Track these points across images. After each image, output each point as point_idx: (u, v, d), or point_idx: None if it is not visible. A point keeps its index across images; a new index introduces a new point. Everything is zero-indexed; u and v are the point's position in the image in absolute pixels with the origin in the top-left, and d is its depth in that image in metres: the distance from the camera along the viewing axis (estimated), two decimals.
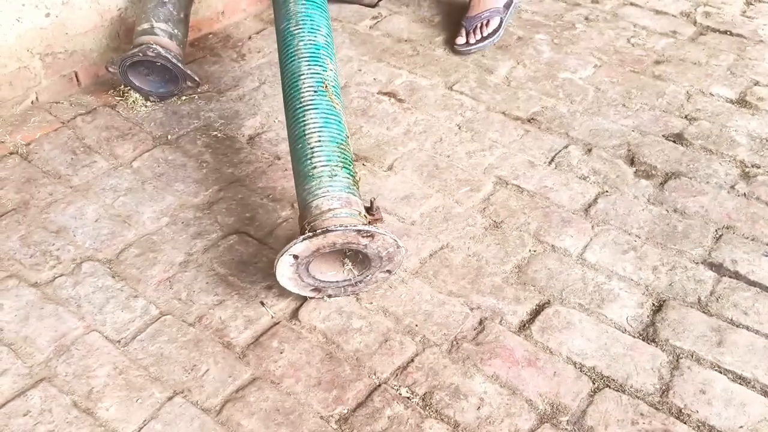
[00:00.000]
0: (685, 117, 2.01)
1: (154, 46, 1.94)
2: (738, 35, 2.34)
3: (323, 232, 1.36)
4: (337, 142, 1.51)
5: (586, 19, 2.43)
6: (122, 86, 2.09)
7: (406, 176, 1.84)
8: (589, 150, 1.91)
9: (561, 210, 1.73)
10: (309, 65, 1.57)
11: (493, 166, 1.87)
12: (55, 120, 2.03)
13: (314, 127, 1.50)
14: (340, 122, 1.54)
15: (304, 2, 1.65)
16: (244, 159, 1.89)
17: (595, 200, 1.76)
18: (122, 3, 2.16)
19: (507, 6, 2.24)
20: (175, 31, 2.04)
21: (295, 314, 1.51)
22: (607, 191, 1.78)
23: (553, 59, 2.24)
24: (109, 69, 2.01)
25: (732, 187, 1.79)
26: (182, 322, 1.49)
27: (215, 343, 1.45)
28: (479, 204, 1.76)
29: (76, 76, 2.15)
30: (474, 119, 2.02)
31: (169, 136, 1.97)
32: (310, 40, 1.60)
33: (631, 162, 1.87)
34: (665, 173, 1.83)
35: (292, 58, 1.59)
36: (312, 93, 1.54)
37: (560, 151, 1.91)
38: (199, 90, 2.12)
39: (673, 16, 2.44)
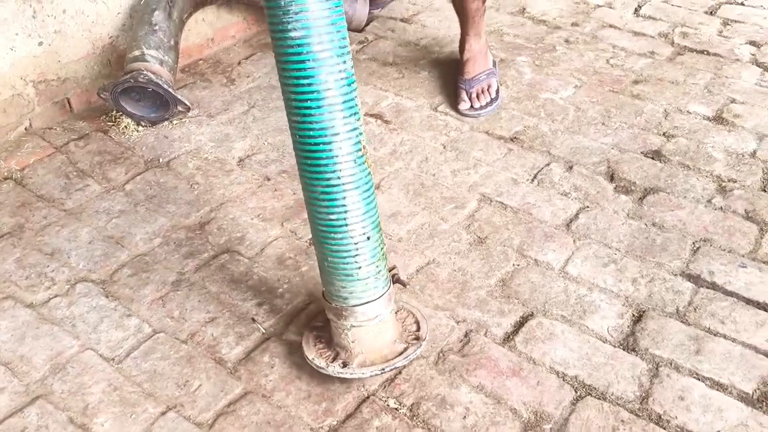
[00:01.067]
0: (663, 134, 2.07)
1: (145, 72, 1.99)
2: (715, 54, 2.41)
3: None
4: (378, 228, 1.32)
5: (567, 41, 2.50)
6: (114, 112, 2.14)
7: (392, 195, 1.89)
8: (570, 167, 1.97)
9: (543, 225, 1.78)
10: (345, 116, 1.19)
11: (477, 183, 1.92)
12: (48, 146, 2.07)
13: (357, 215, 1.26)
14: (374, 192, 1.30)
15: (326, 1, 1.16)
16: (234, 180, 1.94)
17: (577, 215, 1.81)
18: (114, 31, 2.22)
19: (494, 64, 2.26)
20: (166, 57, 2.09)
21: (285, 329, 1.55)
22: (587, 206, 1.84)
23: (535, 80, 2.31)
24: (101, 95, 2.06)
25: (709, 201, 1.84)
26: (175, 340, 1.53)
27: (207, 359, 1.49)
28: (464, 221, 1.81)
29: (69, 102, 2.20)
30: (458, 139, 2.08)
31: (161, 160, 2.02)
32: (341, 71, 1.18)
33: (611, 178, 1.92)
34: (644, 189, 1.88)
35: (320, 102, 1.17)
36: (352, 164, 1.22)
37: (542, 168, 1.96)
38: (189, 114, 2.17)
39: (651, 37, 2.51)
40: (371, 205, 1.29)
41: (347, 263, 1.31)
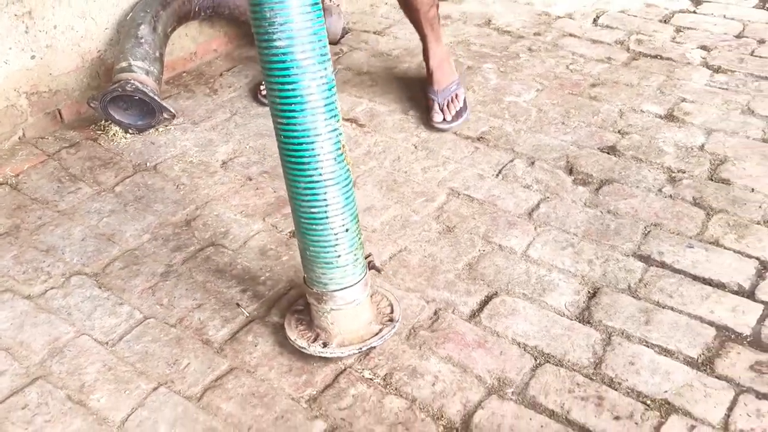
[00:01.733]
0: (618, 132, 2.22)
1: (132, 81, 2.12)
2: (667, 59, 2.58)
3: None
4: (356, 219, 1.43)
5: (529, 49, 2.66)
6: (103, 121, 2.26)
7: (367, 191, 2.01)
8: (533, 163, 2.11)
9: (507, 215, 1.92)
10: (326, 118, 1.30)
11: (446, 179, 2.05)
12: (41, 153, 2.19)
13: (336, 208, 1.37)
14: (352, 187, 1.41)
15: (308, 12, 1.25)
16: (218, 181, 2.06)
17: (538, 205, 1.95)
18: (102, 45, 2.35)
19: (460, 75, 2.33)
20: (152, 68, 2.22)
21: (268, 312, 1.66)
22: (548, 197, 1.98)
23: (500, 85, 2.46)
24: (91, 104, 2.19)
25: (659, 190, 1.99)
26: (164, 324, 1.64)
27: (195, 340, 1.60)
28: (434, 212, 1.94)
29: (60, 113, 2.32)
30: (429, 139, 2.22)
31: (148, 164, 2.14)
32: (322, 77, 1.28)
33: (570, 172, 2.07)
34: (600, 180, 2.03)
35: (303, 106, 1.28)
36: (333, 162, 1.33)
37: (507, 164, 2.10)
38: (174, 122, 2.30)
39: (608, 44, 2.68)
40: (350, 199, 1.40)
41: (327, 252, 1.43)
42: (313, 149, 1.32)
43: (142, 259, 1.81)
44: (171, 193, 2.03)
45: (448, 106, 2.22)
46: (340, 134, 1.35)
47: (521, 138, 2.21)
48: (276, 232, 1.89)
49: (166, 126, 2.28)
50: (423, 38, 2.26)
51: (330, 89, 1.31)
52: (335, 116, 1.33)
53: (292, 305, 1.67)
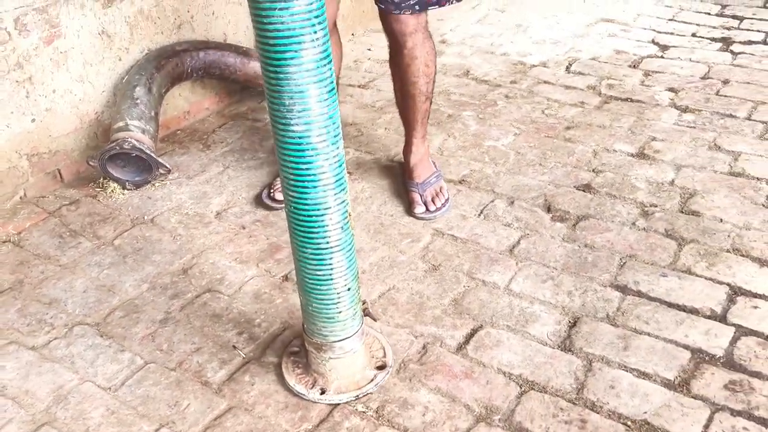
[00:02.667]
0: (593, 170, 2.34)
1: (129, 139, 2.23)
2: (637, 101, 2.72)
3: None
4: (357, 278, 1.51)
5: (506, 96, 2.79)
6: (102, 178, 2.36)
7: (356, 234, 2.10)
8: (512, 202, 2.21)
9: (489, 252, 2.01)
10: (336, 193, 1.37)
11: (430, 221, 2.15)
12: (42, 211, 2.28)
13: (341, 271, 1.46)
14: (355, 251, 1.50)
15: (325, 99, 1.30)
16: (213, 230, 2.16)
17: (518, 242, 2.05)
18: (99, 107, 2.47)
19: (435, 165, 2.30)
20: (147, 127, 2.33)
21: (263, 353, 1.74)
22: (528, 234, 2.07)
23: (479, 131, 2.58)
24: (90, 163, 2.29)
25: (633, 223, 2.09)
26: (165, 368, 1.71)
27: (194, 382, 1.67)
28: (420, 252, 2.03)
29: (60, 173, 2.42)
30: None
31: (146, 217, 2.23)
32: (335, 157, 1.35)
33: (548, 209, 2.17)
34: (577, 216, 2.13)
35: (316, 183, 1.35)
36: (339, 231, 1.41)
37: (488, 204, 2.21)
38: (170, 177, 2.40)
39: (581, 89, 2.82)
40: (353, 261, 1.49)
41: (330, 309, 1.52)
42: (322, 221, 1.40)
43: (142, 308, 1.89)
44: (168, 244, 2.11)
45: (433, 199, 2.18)
46: (347, 204, 1.43)
47: (501, 180, 2.32)
48: (269, 277, 1.97)
49: (162, 181, 2.38)
50: (409, 132, 2.24)
51: (340, 165, 1.38)
52: (344, 189, 1.40)
53: (287, 346, 1.74)
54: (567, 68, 2.98)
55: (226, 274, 1.99)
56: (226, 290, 1.94)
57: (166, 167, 2.33)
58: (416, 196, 2.20)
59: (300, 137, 1.32)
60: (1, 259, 2.08)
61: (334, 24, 2.16)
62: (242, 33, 2.87)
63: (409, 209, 2.20)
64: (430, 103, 2.21)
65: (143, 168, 2.33)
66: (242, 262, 2.03)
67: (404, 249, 2.05)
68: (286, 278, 1.96)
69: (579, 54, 3.07)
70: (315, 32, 1.23)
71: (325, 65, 1.27)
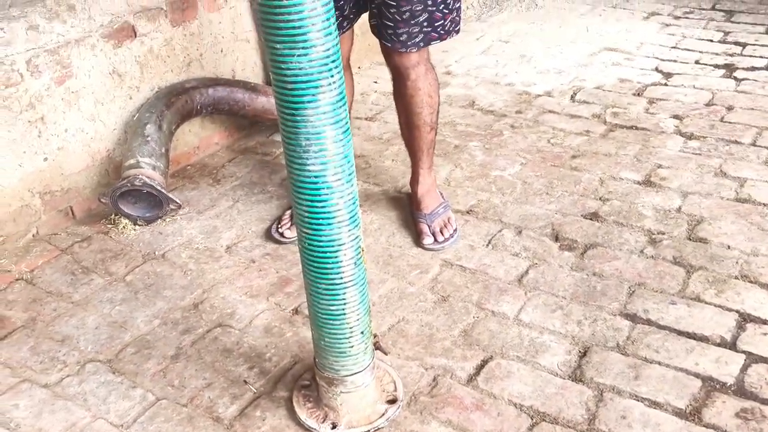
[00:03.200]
0: (600, 198, 2.35)
1: (140, 176, 2.26)
2: (642, 129, 2.73)
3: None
4: (368, 312, 1.52)
5: (512, 126, 2.82)
6: (113, 215, 2.39)
7: (366, 266, 2.12)
8: (520, 232, 2.22)
9: (498, 282, 2.02)
10: (350, 229, 1.39)
11: (439, 252, 2.16)
12: (54, 249, 2.31)
13: (353, 306, 1.47)
14: (367, 285, 1.51)
15: (340, 140, 1.31)
16: (223, 265, 2.18)
17: (527, 271, 2.05)
18: (110, 145, 2.51)
19: (442, 195, 2.31)
20: (158, 163, 2.37)
21: (274, 387, 1.74)
22: (536, 263, 2.08)
23: (486, 161, 2.60)
24: (102, 200, 2.32)
25: (641, 251, 2.09)
26: (176, 404, 1.72)
27: (206, 418, 1.68)
28: (429, 283, 2.04)
29: (71, 210, 2.45)
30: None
31: (157, 252, 2.25)
32: (350, 194, 1.36)
33: (556, 238, 2.18)
34: (585, 245, 2.14)
35: (330, 221, 1.36)
36: (353, 266, 1.43)
37: (495, 234, 2.22)
38: (180, 212, 2.43)
39: (586, 118, 2.84)
40: (365, 296, 1.51)
41: (342, 344, 1.53)
42: (336, 257, 1.41)
43: (153, 344, 1.90)
44: (179, 279, 2.13)
45: (441, 230, 2.19)
46: (360, 239, 1.44)
47: (508, 209, 2.33)
48: (279, 311, 1.98)
49: (173, 216, 2.41)
50: (415, 163, 2.27)
51: (354, 202, 1.39)
52: (357, 225, 1.42)
53: (297, 380, 1.75)
54: (572, 97, 3.00)
55: (237, 309, 2.00)
56: (237, 324, 1.95)
57: (177, 203, 2.36)
58: (424, 227, 2.21)
59: (316, 176, 1.33)
60: (15, 297, 2.10)
61: (348, 61, 2.18)
62: (250, 69, 2.91)
63: (418, 240, 2.21)
64: (435, 134, 2.23)
65: (154, 204, 2.36)
66: (252, 296, 2.04)
67: (413, 280, 2.06)
68: (296, 311, 1.97)
69: (583, 83, 3.10)
70: (332, 76, 1.26)
71: (341, 107, 1.29)
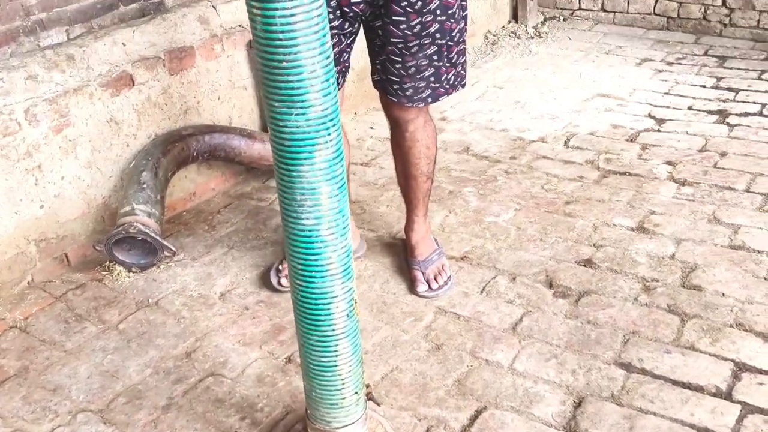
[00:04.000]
0: (593, 245, 2.35)
1: (135, 224, 2.27)
2: (635, 175, 2.75)
3: None
4: (361, 363, 1.51)
5: (506, 172, 2.84)
6: (108, 262, 2.39)
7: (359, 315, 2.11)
8: (514, 278, 2.22)
9: (492, 330, 2.02)
10: (343, 282, 1.39)
11: (433, 299, 2.16)
12: (48, 296, 2.30)
13: (345, 357, 1.46)
14: (360, 337, 1.50)
15: (336, 195, 1.32)
16: (217, 312, 2.17)
17: (521, 319, 2.05)
18: (106, 192, 2.52)
19: (437, 242, 2.31)
20: (153, 210, 2.38)
21: None
22: (530, 311, 2.08)
23: (480, 207, 2.62)
24: (96, 247, 2.33)
25: (635, 299, 2.09)
26: None
27: None
28: (422, 331, 2.04)
29: (66, 257, 2.45)
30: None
31: (150, 300, 2.25)
32: (343, 247, 1.36)
33: (550, 285, 2.18)
34: (579, 292, 2.14)
35: (323, 273, 1.36)
36: (345, 318, 1.42)
37: (489, 281, 2.22)
38: (175, 258, 2.43)
39: (579, 164, 2.86)
40: (357, 347, 1.50)
41: (333, 395, 1.51)
42: (328, 309, 1.41)
43: (145, 393, 1.89)
44: (172, 326, 2.13)
45: (435, 277, 2.18)
46: (353, 291, 1.44)
47: (502, 256, 2.34)
48: (272, 359, 1.97)
49: (167, 263, 2.41)
50: (410, 210, 2.26)
51: (348, 255, 1.39)
52: (350, 278, 1.42)
53: (289, 430, 1.73)
54: (565, 143, 3.03)
55: (230, 357, 1.99)
56: (229, 374, 1.94)
57: (171, 250, 2.36)
58: (418, 274, 2.21)
59: (310, 230, 1.34)
60: (8, 345, 2.09)
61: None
62: (247, 116, 2.94)
63: (412, 287, 2.20)
64: (432, 182, 2.24)
65: (149, 251, 2.36)
66: (245, 344, 2.03)
67: (407, 328, 2.05)
68: (289, 360, 1.96)
69: (577, 129, 3.13)
70: (329, 134, 1.27)
71: (337, 164, 1.30)
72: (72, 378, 1.96)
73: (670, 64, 3.66)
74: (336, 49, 1.92)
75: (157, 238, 2.31)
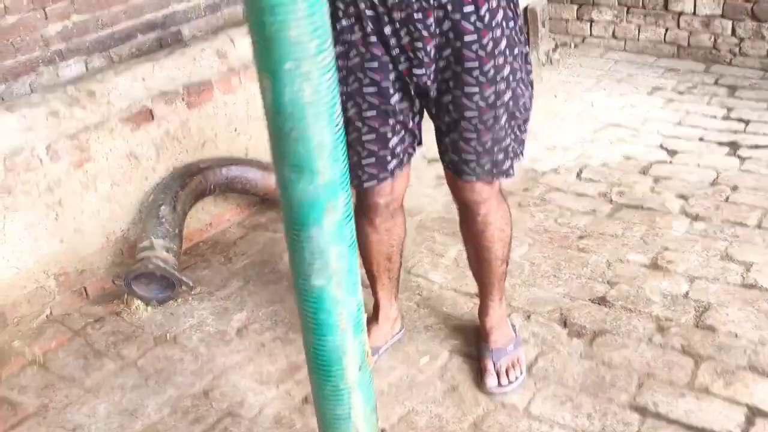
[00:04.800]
0: (607, 282, 2.37)
1: (154, 259, 2.30)
2: (648, 209, 2.77)
3: None
4: (375, 411, 1.51)
5: (519, 205, 2.85)
6: (126, 295, 2.42)
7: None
8: (529, 316, 2.24)
9: None
10: (354, 337, 1.35)
11: (447, 336, 2.18)
12: (67, 330, 2.33)
13: (359, 409, 1.43)
14: (373, 388, 1.47)
15: (345, 255, 1.30)
16: (234, 349, 2.19)
17: (536, 360, 2.06)
18: (125, 225, 2.55)
19: (514, 330, 2.13)
20: (172, 245, 2.41)
21: None
22: (545, 351, 2.10)
23: None
24: (116, 282, 2.36)
25: (650, 339, 2.11)
26: None
27: None
28: (438, 371, 2.05)
29: (85, 290, 2.48)
30: (429, 297, 2.37)
31: (168, 335, 2.28)
32: (353, 304, 1.33)
33: (564, 324, 2.20)
34: (593, 332, 2.15)
35: (334, 330, 1.34)
36: (357, 371, 1.39)
37: None
38: (192, 292, 2.46)
39: (592, 197, 2.88)
40: (370, 399, 1.49)
41: None
42: (340, 365, 1.40)
43: None
44: (189, 363, 2.15)
45: (507, 371, 1.98)
46: (365, 344, 1.43)
47: (516, 292, 2.35)
48: (289, 399, 2.00)
49: (185, 297, 2.44)
50: (485, 294, 2.08)
51: (359, 311, 1.38)
52: (361, 331, 1.41)
53: None
54: (578, 174, 3.05)
55: (247, 396, 2.01)
56: (246, 413, 1.96)
57: (189, 284, 2.39)
58: (489, 365, 1.99)
59: (320, 290, 1.36)
60: (27, 382, 2.12)
61: (401, 201, 1.98)
62: (263, 148, 2.97)
63: (479, 379, 2.00)
64: (507, 265, 2.05)
65: (167, 285, 2.39)
66: (262, 383, 2.06)
67: (423, 368, 2.07)
68: (305, 400, 1.98)
69: (589, 160, 3.15)
70: (338, 199, 1.29)
71: (346, 225, 1.32)
72: (91, 417, 1.98)
73: (681, 93, 3.68)
74: (399, 134, 1.79)
75: (175, 273, 2.34)
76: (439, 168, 1.99)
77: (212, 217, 2.86)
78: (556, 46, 4.32)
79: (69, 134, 2.35)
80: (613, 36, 4.24)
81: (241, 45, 2.84)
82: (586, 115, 3.54)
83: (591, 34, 4.30)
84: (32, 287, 2.34)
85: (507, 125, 1.78)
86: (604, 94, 3.74)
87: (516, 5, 1.71)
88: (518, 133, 1.84)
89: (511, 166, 1.86)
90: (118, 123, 2.47)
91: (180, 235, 2.50)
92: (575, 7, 4.30)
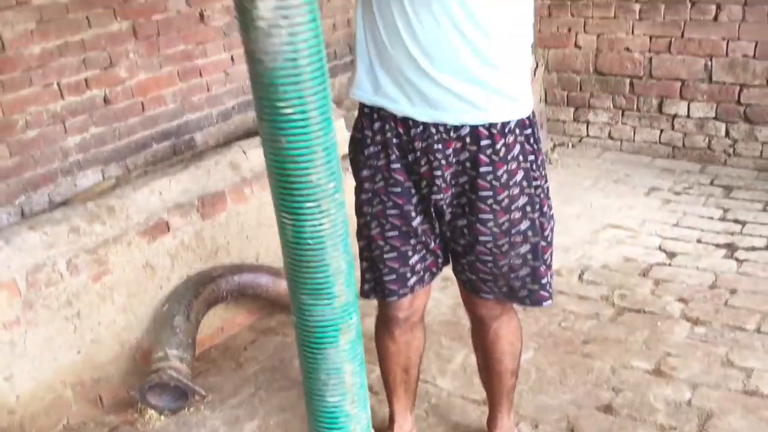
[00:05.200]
0: (612, 389, 2.41)
1: (168, 370, 2.36)
2: (650, 312, 2.83)
3: None
4: None
5: (524, 309, 2.92)
6: (140, 404, 2.47)
7: None
8: (536, 425, 2.28)
9: None
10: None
11: None
12: None
13: None
14: None
15: (357, 372, 1.31)
16: None
17: None
18: (140, 333, 2.63)
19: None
20: (185, 354, 2.47)
21: None
22: None
23: None
24: (131, 392, 2.41)
25: None
26: None
27: None
28: None
29: (100, 398, 2.53)
30: (438, 404, 2.41)
31: None
32: (365, 419, 1.35)
33: None
34: None
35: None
36: None
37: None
38: (204, 401, 2.51)
39: (594, 300, 2.95)
40: None
41: None
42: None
43: None
44: None
45: None
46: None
47: (524, 399, 2.40)
48: None
49: (197, 406, 2.49)
50: (494, 406, 2.15)
51: (368, 425, 1.40)
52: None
53: None
54: (580, 276, 3.13)
55: None
56: None
57: (202, 394, 2.44)
58: None
59: (334, 406, 1.43)
60: None
61: (422, 314, 2.06)
62: (273, 253, 3.07)
63: None
64: (516, 378, 2.11)
65: (180, 394, 2.44)
66: None
67: None
68: None
69: (590, 261, 3.23)
70: (351, 319, 1.38)
71: (358, 344, 1.41)
72: None
73: (677, 193, 3.80)
74: (419, 253, 1.85)
75: (188, 383, 2.39)
76: (445, 271, 2.07)
77: (223, 321, 2.93)
78: (554, 146, 4.48)
79: (88, 249, 2.45)
80: (609, 137, 4.40)
81: (252, 156, 2.98)
82: (585, 216, 3.65)
83: (588, 135, 4.47)
84: (50, 398, 2.39)
85: (527, 254, 1.81)
86: (602, 195, 3.87)
87: (537, 141, 1.79)
88: (545, 266, 1.85)
89: (528, 297, 1.89)
90: (136, 236, 2.58)
91: (193, 344, 2.56)
92: (572, 109, 4.48)
